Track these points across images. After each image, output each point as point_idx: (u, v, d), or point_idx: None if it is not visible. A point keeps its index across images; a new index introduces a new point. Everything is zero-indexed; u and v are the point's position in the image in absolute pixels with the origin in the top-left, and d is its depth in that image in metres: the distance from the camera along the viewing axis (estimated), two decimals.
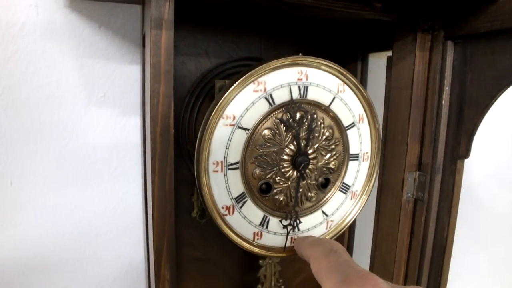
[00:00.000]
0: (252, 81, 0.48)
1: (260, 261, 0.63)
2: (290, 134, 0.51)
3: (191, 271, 0.67)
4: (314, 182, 0.54)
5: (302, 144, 0.51)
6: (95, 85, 0.61)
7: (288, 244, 0.55)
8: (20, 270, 0.61)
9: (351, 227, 0.76)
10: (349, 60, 0.72)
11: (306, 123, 0.51)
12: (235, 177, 0.49)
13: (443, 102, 0.59)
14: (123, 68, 0.62)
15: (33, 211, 0.60)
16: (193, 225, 0.65)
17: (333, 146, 0.55)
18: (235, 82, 0.47)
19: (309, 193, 0.54)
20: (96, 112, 0.61)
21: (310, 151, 0.53)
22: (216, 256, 0.67)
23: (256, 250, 0.53)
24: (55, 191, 0.61)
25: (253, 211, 0.51)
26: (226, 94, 0.46)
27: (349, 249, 0.77)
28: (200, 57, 0.62)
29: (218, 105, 0.46)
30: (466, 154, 0.58)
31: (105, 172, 0.64)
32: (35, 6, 0.56)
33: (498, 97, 0.54)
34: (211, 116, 0.46)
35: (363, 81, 0.72)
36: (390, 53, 0.64)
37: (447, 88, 0.58)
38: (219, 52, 0.63)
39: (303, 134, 0.52)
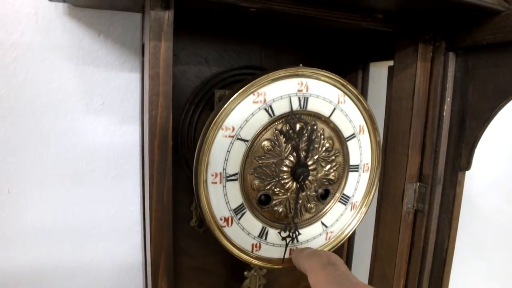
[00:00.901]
0: (252, 92, 0.47)
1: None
2: (289, 145, 0.51)
3: (189, 280, 0.66)
4: (314, 193, 0.54)
5: (302, 156, 0.51)
6: (94, 93, 0.60)
7: (287, 256, 0.54)
8: (17, 278, 0.61)
9: (351, 237, 0.76)
10: (350, 69, 0.72)
11: (306, 134, 0.51)
12: (234, 188, 0.49)
13: (444, 113, 0.58)
14: (122, 76, 0.62)
15: (30, 219, 0.60)
16: (191, 234, 0.64)
17: (333, 157, 0.54)
18: (234, 93, 0.46)
19: (309, 205, 0.54)
20: (95, 120, 0.61)
21: (309, 162, 0.52)
22: (214, 265, 0.67)
23: (254, 261, 0.53)
24: (53, 198, 0.61)
25: (251, 223, 0.51)
26: (226, 105, 0.46)
27: (348, 260, 0.76)
28: (200, 66, 0.61)
29: (217, 116, 0.46)
30: (467, 166, 0.57)
31: (103, 180, 0.63)
32: (35, 13, 0.55)
33: (500, 110, 0.53)
34: (210, 127, 0.46)
35: (363, 91, 0.71)
36: (391, 62, 0.64)
37: (448, 99, 0.58)
38: (219, 61, 0.63)
39: (303, 145, 0.51)
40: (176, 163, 0.60)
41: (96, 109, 0.61)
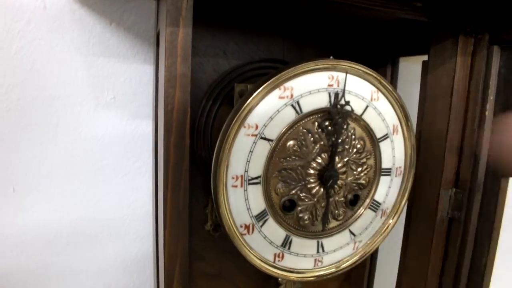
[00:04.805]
0: (278, 86, 0.43)
1: (279, 279, 0.58)
2: (318, 146, 0.46)
3: (202, 287, 0.62)
4: (342, 199, 0.49)
5: (337, 158, 0.46)
6: (105, 86, 0.56)
7: (311, 267, 0.49)
8: (24, 276, 0.57)
9: None
10: (378, 65, 0.66)
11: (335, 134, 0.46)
12: (256, 192, 0.44)
13: (486, 113, 0.53)
14: (135, 68, 0.57)
15: (36, 219, 0.56)
16: (206, 239, 0.60)
17: (364, 160, 0.49)
18: (258, 87, 0.42)
19: (337, 211, 0.49)
20: (105, 114, 0.57)
21: (339, 165, 0.48)
22: (229, 272, 0.62)
23: (276, 272, 0.48)
24: (59, 198, 0.57)
25: (274, 230, 0.46)
26: (249, 100, 0.41)
27: (371, 272, 0.71)
28: (218, 58, 0.57)
29: (239, 113, 0.41)
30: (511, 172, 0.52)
31: (113, 179, 0.59)
32: (42, 0, 0.51)
33: None
34: (232, 125, 0.41)
35: None
36: (425, 57, 0.58)
37: (491, 98, 0.53)
38: (238, 53, 0.58)
39: (327, 145, 0.46)
40: (191, 161, 0.56)
41: (107, 103, 0.57)
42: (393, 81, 0.66)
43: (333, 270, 0.52)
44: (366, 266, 0.69)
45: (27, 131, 0.54)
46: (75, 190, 0.58)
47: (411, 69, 0.68)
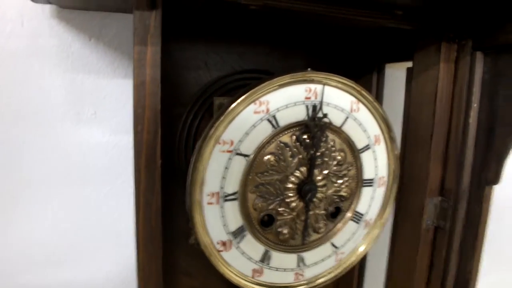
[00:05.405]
0: (253, 101, 0.42)
1: None
2: (296, 159, 0.45)
3: None
4: (323, 212, 0.49)
5: (316, 170, 0.46)
6: (85, 102, 0.56)
7: (292, 281, 0.49)
8: None
9: None
10: (364, 71, 0.65)
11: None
12: (232, 209, 0.44)
13: (470, 120, 0.52)
14: (115, 83, 0.57)
15: (16, 237, 0.56)
16: (191, 253, 0.59)
17: (345, 172, 0.49)
18: (233, 103, 0.41)
19: (317, 224, 0.49)
20: (87, 131, 0.57)
21: (319, 178, 0.47)
22: (215, 286, 0.62)
23: None
24: (40, 216, 0.57)
25: (253, 246, 0.46)
26: (222, 117, 0.41)
27: (360, 280, 0.70)
28: (199, 70, 0.57)
29: (213, 129, 0.41)
30: (496, 179, 0.51)
31: (95, 196, 0.59)
32: (20, 16, 0.51)
33: None
34: (205, 142, 0.41)
35: (379, 95, 0.65)
36: (409, 64, 0.57)
37: (475, 105, 0.52)
38: (220, 64, 0.58)
39: (306, 158, 0.46)
40: (174, 176, 0.56)
41: (88, 119, 0.56)
42: (379, 88, 0.65)
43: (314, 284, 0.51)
44: (354, 274, 0.69)
45: (7, 147, 0.54)
46: (57, 208, 0.57)
47: (397, 75, 0.68)
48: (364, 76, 0.65)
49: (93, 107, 0.56)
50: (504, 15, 0.46)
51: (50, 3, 0.51)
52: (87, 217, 0.59)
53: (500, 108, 0.50)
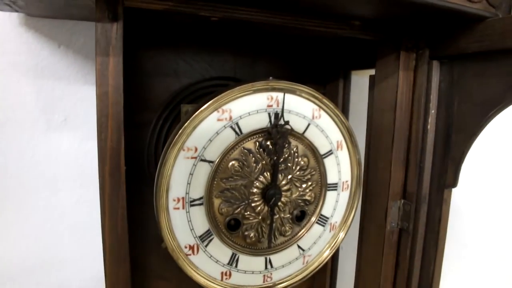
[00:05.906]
0: (216, 109, 0.43)
1: None
2: (260, 165, 0.47)
3: None
4: (288, 215, 0.50)
5: (280, 175, 0.47)
6: (56, 109, 0.56)
7: (260, 283, 0.50)
8: None
9: (335, 254, 0.72)
10: (331, 78, 0.68)
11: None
12: (199, 213, 0.45)
13: (428, 126, 0.54)
14: (86, 89, 0.58)
15: None
16: (165, 257, 0.60)
17: (308, 176, 0.50)
18: (196, 111, 0.43)
19: (283, 228, 0.50)
20: (57, 137, 0.57)
21: (283, 183, 0.49)
22: None
23: None
24: (11, 225, 0.56)
25: (220, 249, 0.47)
26: (186, 124, 0.42)
27: (332, 277, 0.72)
28: (168, 77, 0.58)
29: (177, 136, 0.42)
30: (454, 183, 0.53)
31: (67, 203, 0.59)
32: None
33: (487, 123, 0.49)
34: (170, 148, 0.42)
35: (345, 101, 0.67)
36: (373, 71, 0.60)
37: (433, 111, 0.54)
38: (189, 72, 0.59)
39: (269, 164, 0.47)
40: (145, 181, 0.56)
41: (58, 126, 0.57)
42: (346, 94, 0.68)
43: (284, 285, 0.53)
44: (326, 273, 0.71)
45: None
46: (27, 217, 0.57)
47: (363, 82, 0.70)
48: (331, 83, 0.67)
49: (63, 114, 0.57)
50: (453, 27, 0.48)
51: (17, 11, 0.51)
52: (56, 226, 0.59)
53: (455, 114, 0.52)
